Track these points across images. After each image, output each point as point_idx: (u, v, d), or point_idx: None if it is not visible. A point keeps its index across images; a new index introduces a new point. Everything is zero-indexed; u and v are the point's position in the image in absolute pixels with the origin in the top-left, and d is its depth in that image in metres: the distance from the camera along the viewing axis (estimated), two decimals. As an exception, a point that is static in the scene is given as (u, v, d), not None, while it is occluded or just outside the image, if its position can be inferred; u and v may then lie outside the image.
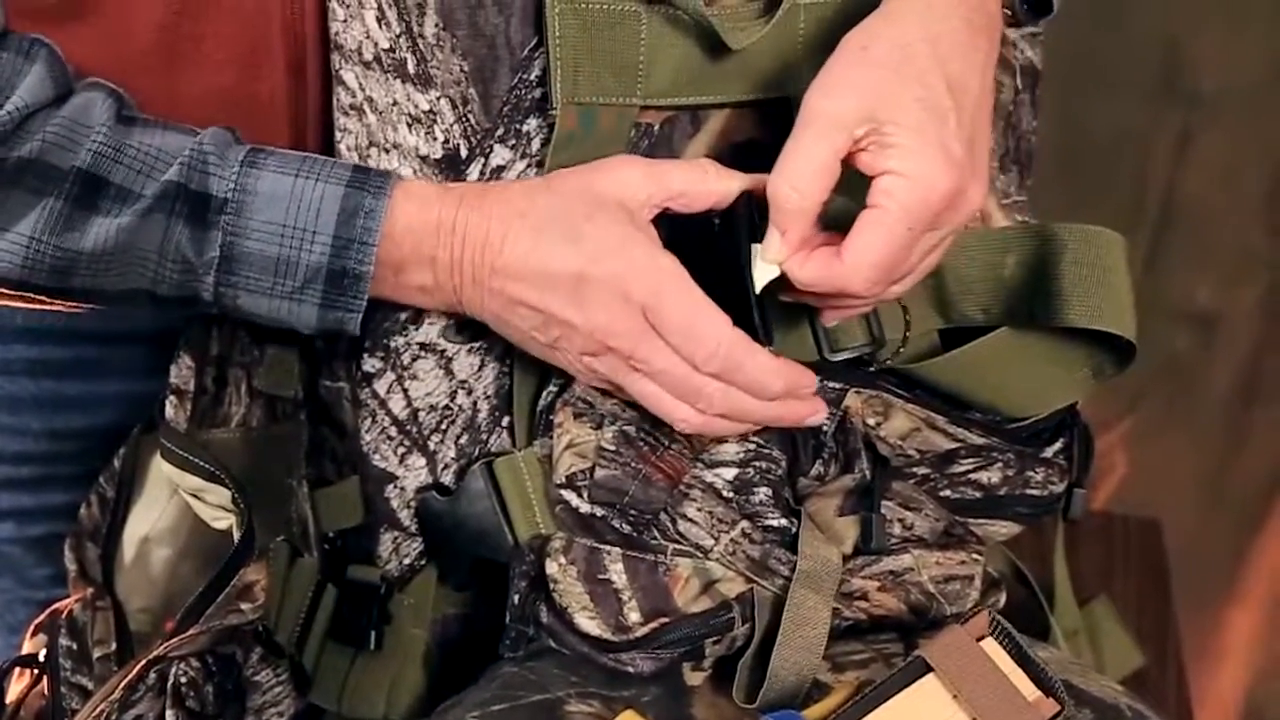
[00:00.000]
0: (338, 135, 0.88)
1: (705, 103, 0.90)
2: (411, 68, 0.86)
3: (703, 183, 0.87)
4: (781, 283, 0.86)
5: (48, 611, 1.00)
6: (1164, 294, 1.76)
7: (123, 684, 0.85)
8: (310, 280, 0.84)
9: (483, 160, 0.88)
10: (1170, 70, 1.70)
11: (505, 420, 0.93)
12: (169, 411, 0.92)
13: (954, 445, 0.94)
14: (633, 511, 0.89)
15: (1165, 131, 1.73)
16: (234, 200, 0.84)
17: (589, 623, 0.88)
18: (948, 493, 0.94)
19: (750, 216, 0.87)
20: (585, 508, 0.89)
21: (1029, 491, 0.96)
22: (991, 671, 0.78)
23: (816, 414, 0.89)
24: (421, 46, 0.86)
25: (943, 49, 0.84)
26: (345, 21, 0.86)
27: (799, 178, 0.83)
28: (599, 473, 0.89)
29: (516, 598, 0.90)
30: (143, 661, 0.85)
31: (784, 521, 0.90)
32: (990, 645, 0.80)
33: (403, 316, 0.90)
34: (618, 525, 0.89)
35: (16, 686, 0.98)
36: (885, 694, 0.79)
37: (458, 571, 0.96)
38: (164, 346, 0.93)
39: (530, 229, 0.84)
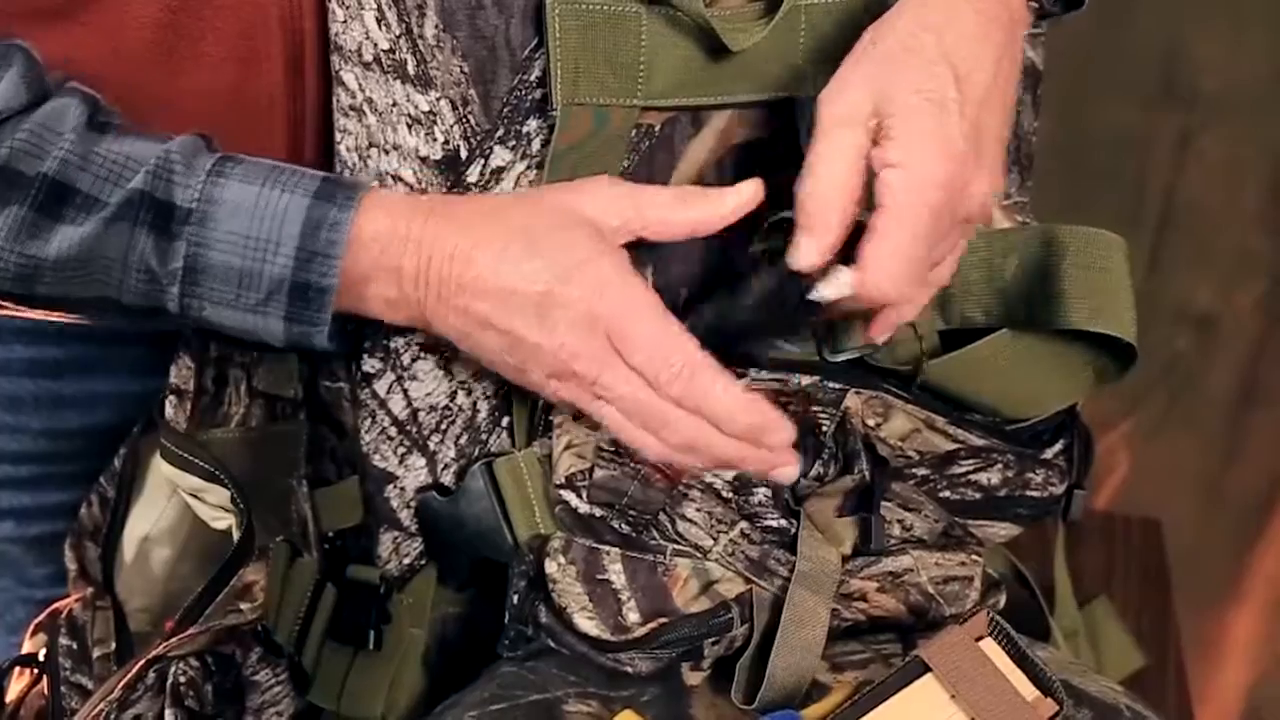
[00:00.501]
0: (338, 136, 0.88)
1: (706, 103, 0.90)
2: (411, 69, 0.86)
3: (681, 211, 0.86)
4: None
5: (47, 611, 1.00)
6: (1164, 295, 1.76)
7: (122, 683, 0.85)
8: (273, 293, 0.83)
9: (483, 161, 0.88)
10: (1171, 71, 1.70)
11: (505, 420, 0.93)
12: (168, 411, 0.92)
13: (954, 446, 0.94)
14: (631, 512, 0.89)
15: (1166, 132, 1.73)
16: (198, 210, 0.82)
17: (588, 623, 0.88)
18: (947, 494, 0.94)
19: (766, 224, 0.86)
20: (584, 508, 0.89)
21: (1029, 493, 0.96)
22: (990, 672, 0.78)
23: (788, 469, 0.86)
24: (421, 47, 0.86)
25: (949, 40, 0.84)
26: (345, 22, 0.86)
27: (823, 181, 0.82)
28: (598, 473, 0.89)
29: (515, 597, 0.90)
30: (142, 661, 0.85)
31: (783, 522, 0.90)
32: (989, 645, 0.80)
33: (402, 316, 0.90)
34: (617, 526, 0.89)
35: (16, 686, 0.98)
36: (883, 694, 0.79)
37: (458, 572, 0.96)
38: (162, 346, 0.93)
39: (499, 244, 0.83)
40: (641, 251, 0.89)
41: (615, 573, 0.88)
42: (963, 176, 0.83)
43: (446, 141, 0.88)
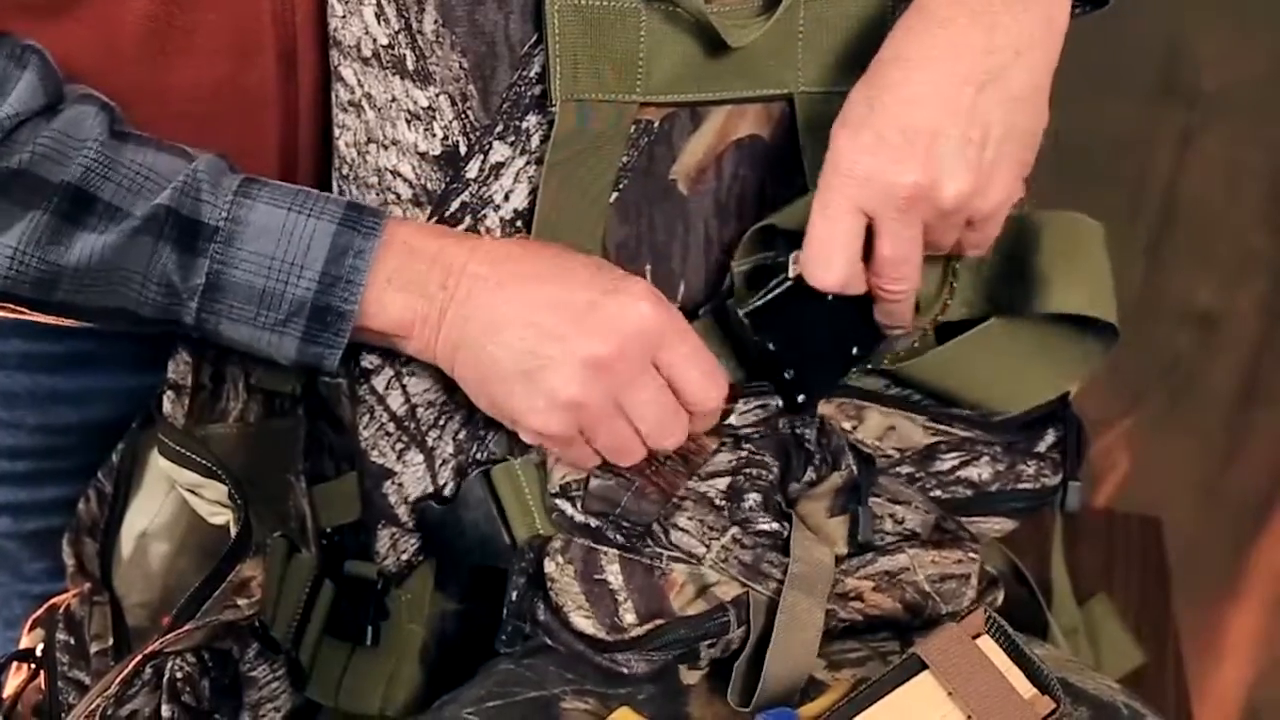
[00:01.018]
0: (336, 131, 0.88)
1: (705, 100, 0.90)
2: (410, 64, 0.86)
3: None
4: None
5: (45, 606, 1.00)
6: (1165, 294, 1.76)
7: (119, 679, 0.85)
8: (294, 314, 0.84)
9: (481, 157, 0.88)
10: (1171, 70, 1.70)
11: (504, 418, 0.93)
12: (166, 407, 0.92)
13: (933, 440, 0.94)
14: (625, 523, 0.89)
15: (1166, 131, 1.74)
16: (224, 229, 0.84)
17: (584, 622, 0.87)
18: (939, 493, 0.94)
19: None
20: (580, 517, 0.89)
21: (1021, 486, 0.96)
22: (987, 669, 0.78)
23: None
24: (420, 43, 0.86)
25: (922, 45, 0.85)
26: (344, 18, 0.86)
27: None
28: (593, 483, 0.89)
29: (514, 594, 0.90)
30: (139, 656, 0.85)
31: (775, 526, 0.90)
32: (986, 643, 0.80)
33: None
34: (611, 536, 0.89)
35: (14, 681, 0.98)
36: (880, 691, 0.79)
37: (457, 580, 0.96)
38: (159, 342, 0.93)
39: (518, 281, 0.85)
40: (641, 251, 0.89)
41: (613, 573, 0.88)
42: (912, 176, 0.84)
43: (445, 137, 0.88)
